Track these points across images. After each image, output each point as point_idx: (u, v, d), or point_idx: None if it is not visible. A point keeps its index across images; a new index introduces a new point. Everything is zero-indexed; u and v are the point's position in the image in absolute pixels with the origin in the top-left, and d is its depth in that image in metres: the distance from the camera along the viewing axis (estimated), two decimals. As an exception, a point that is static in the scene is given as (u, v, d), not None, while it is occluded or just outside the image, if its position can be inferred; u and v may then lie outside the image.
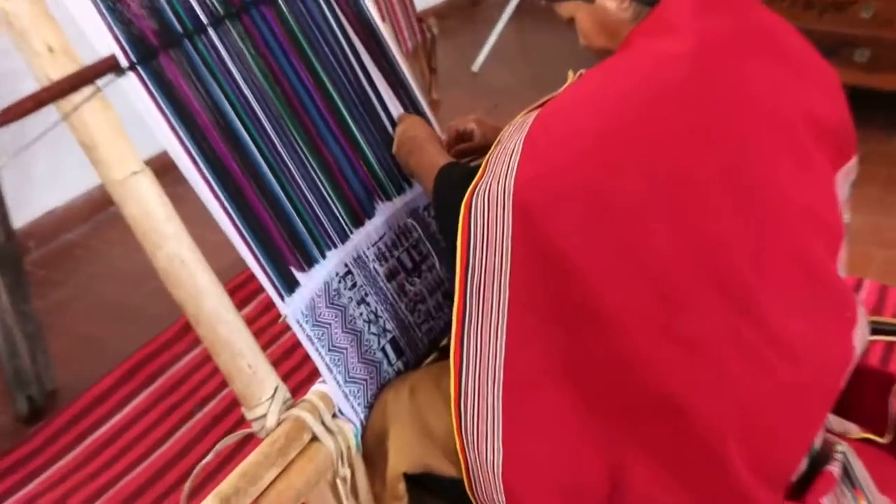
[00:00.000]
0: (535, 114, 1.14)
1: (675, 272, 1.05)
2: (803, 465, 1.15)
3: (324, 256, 1.30)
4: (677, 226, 1.05)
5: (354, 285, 1.34)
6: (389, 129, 1.45)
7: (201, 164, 1.16)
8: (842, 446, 1.18)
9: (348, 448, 1.24)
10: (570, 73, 1.29)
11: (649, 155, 1.05)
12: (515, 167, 1.07)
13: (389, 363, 1.38)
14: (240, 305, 1.19)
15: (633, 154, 1.04)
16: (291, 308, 1.23)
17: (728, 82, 1.10)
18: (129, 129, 1.10)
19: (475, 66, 3.82)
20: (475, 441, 1.14)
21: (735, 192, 1.08)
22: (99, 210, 2.88)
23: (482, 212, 1.10)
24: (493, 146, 1.18)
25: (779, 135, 1.13)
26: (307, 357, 1.26)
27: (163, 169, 1.17)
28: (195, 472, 1.19)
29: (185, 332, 2.34)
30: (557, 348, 1.09)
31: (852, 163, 1.25)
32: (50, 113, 1.04)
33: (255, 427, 1.20)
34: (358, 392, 1.30)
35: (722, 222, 1.07)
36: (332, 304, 1.30)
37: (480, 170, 1.15)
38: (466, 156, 1.46)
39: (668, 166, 1.05)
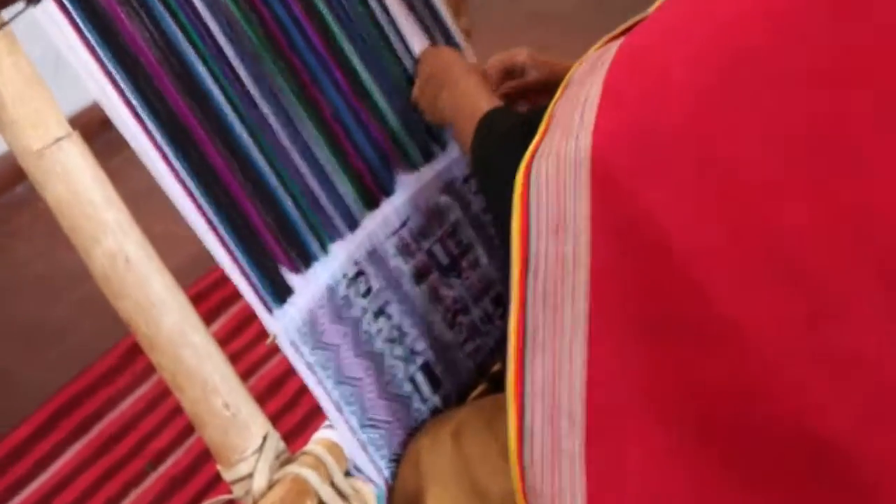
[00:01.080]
0: (615, 45, 1.13)
1: (821, 261, 1.04)
2: None
3: (326, 252, 1.30)
4: (821, 195, 1.03)
5: (369, 291, 1.35)
6: (412, 70, 1.44)
7: (149, 123, 1.16)
8: None
9: (368, 518, 1.25)
10: None
11: (778, 97, 1.03)
12: (593, 119, 1.07)
13: (422, 398, 1.39)
14: (206, 320, 1.19)
15: (757, 96, 1.03)
16: (283, 324, 1.23)
17: None
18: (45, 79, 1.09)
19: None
20: (546, 506, 1.15)
21: None
22: (-1, 191, 2.88)
23: (547, 183, 1.09)
24: (558, 91, 1.17)
25: None
26: (304, 391, 1.26)
27: (88, 131, 1.15)
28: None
29: (130, 359, 2.36)
30: (658, 373, 1.09)
31: None
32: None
33: (237, 491, 1.20)
34: (380, 440, 1.31)
35: (882, 188, 1.04)
36: (340, 317, 1.30)
37: (542, 124, 1.14)
38: (516, 99, 1.46)
39: (805, 113, 1.03)
